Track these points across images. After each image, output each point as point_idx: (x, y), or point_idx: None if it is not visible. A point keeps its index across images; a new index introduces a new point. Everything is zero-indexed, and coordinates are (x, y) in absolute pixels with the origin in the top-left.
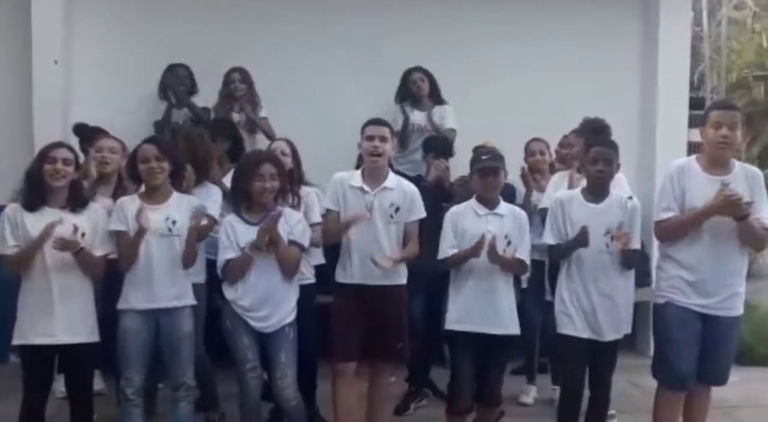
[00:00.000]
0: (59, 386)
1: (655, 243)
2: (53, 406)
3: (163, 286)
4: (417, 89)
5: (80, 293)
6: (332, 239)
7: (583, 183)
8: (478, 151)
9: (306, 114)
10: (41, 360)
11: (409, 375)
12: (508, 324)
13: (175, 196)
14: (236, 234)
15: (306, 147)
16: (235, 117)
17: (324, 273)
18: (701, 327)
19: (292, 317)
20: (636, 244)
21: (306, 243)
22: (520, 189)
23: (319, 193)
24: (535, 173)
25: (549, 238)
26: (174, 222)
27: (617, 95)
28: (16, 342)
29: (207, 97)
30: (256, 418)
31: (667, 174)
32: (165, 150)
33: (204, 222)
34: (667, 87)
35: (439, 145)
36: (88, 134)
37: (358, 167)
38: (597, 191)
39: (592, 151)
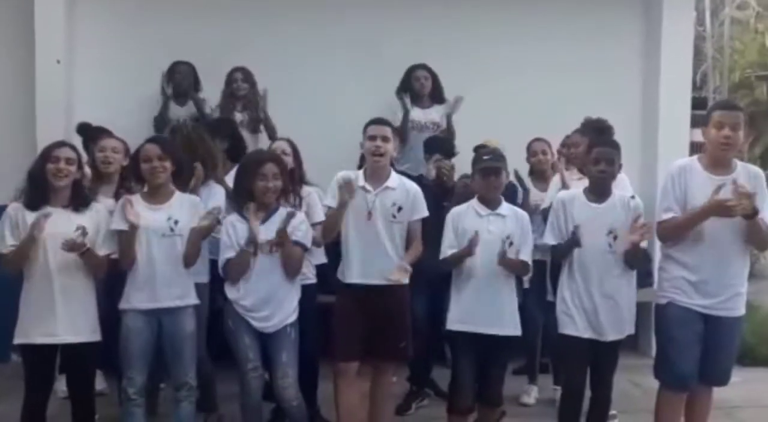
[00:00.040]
0: (61, 386)
1: (657, 243)
2: (55, 406)
3: (165, 286)
4: (420, 87)
5: (82, 292)
6: (332, 230)
7: (576, 183)
8: (480, 151)
9: (306, 114)
10: (43, 360)
11: (411, 375)
12: (510, 325)
13: (177, 195)
14: (238, 233)
15: (306, 147)
16: (238, 116)
17: (325, 272)
18: (703, 328)
19: (293, 317)
20: (644, 242)
21: (309, 243)
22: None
23: (320, 193)
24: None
25: (549, 238)
26: (176, 222)
27: (619, 95)
28: (17, 341)
29: (207, 96)
30: (257, 418)
31: (669, 174)
32: (168, 149)
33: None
34: (670, 87)
35: (442, 145)
36: (91, 134)
37: (360, 167)
38: (599, 191)
39: (595, 151)
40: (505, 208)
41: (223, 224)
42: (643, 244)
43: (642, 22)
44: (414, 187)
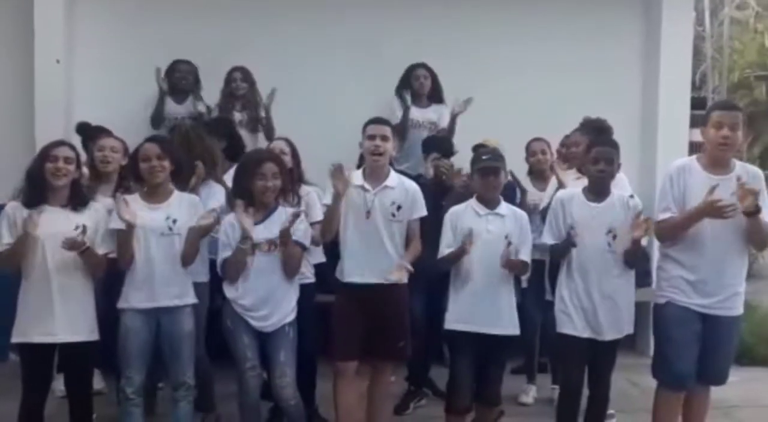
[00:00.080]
0: (59, 385)
1: (656, 243)
2: (52, 405)
3: (163, 285)
4: (419, 86)
5: (80, 292)
6: (330, 225)
7: (575, 182)
8: (479, 150)
9: (306, 114)
10: (41, 359)
11: (409, 375)
12: (508, 324)
13: (176, 194)
14: (235, 233)
15: (306, 147)
16: (237, 116)
17: (324, 272)
18: (701, 327)
19: (292, 316)
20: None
21: (308, 243)
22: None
23: (319, 192)
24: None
25: (548, 238)
26: (174, 222)
27: (618, 95)
28: (15, 340)
29: (207, 96)
30: (255, 417)
31: (667, 174)
32: (166, 149)
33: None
34: (669, 87)
35: (440, 144)
36: (90, 133)
37: (359, 166)
38: (598, 190)
39: (594, 150)
40: (504, 207)
41: (221, 223)
42: (644, 242)
43: (641, 23)
44: (413, 186)
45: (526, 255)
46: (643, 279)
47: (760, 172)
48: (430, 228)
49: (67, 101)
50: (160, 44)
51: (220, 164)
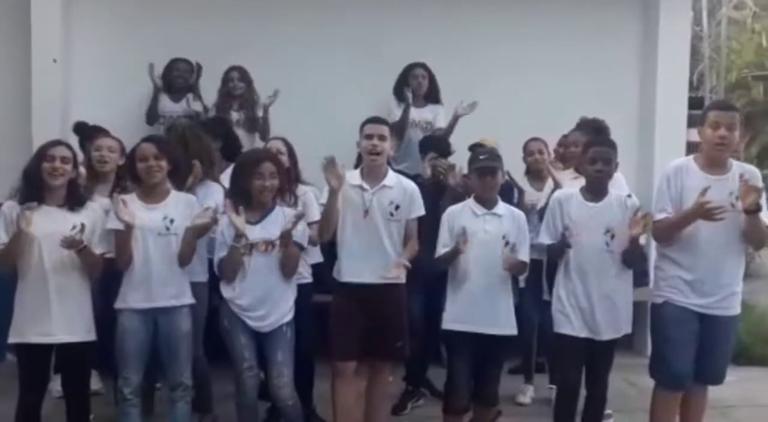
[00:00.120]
0: (56, 385)
1: (653, 243)
2: (50, 406)
3: (160, 285)
4: (417, 85)
5: (77, 292)
6: (328, 223)
7: (572, 182)
8: (476, 150)
9: (306, 114)
10: (38, 359)
11: (407, 375)
12: (506, 324)
13: (173, 194)
14: (233, 232)
15: (306, 146)
16: (234, 116)
17: (321, 272)
18: (698, 327)
19: (289, 316)
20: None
21: (305, 243)
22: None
23: (316, 192)
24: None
25: (545, 237)
26: (172, 221)
27: (617, 95)
28: (12, 340)
29: (206, 96)
30: (253, 417)
31: (664, 174)
32: (164, 149)
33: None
34: (667, 87)
35: (437, 144)
36: (87, 133)
37: (357, 166)
38: (596, 190)
39: (591, 150)
40: (502, 207)
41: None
42: (642, 241)
43: (639, 22)
44: (411, 186)
45: (524, 256)
46: (640, 278)
47: (758, 172)
48: (428, 228)
49: (64, 101)
50: (159, 44)
51: (217, 164)
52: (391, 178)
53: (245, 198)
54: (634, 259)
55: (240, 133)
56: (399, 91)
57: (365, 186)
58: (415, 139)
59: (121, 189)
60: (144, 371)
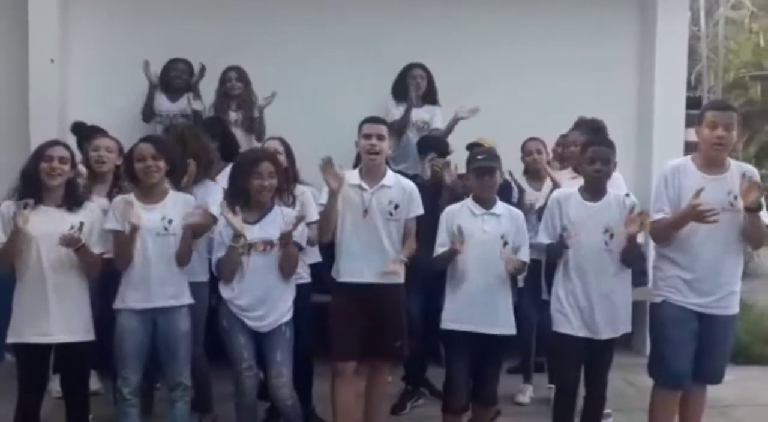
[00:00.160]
0: (55, 385)
1: (652, 242)
2: (49, 406)
3: (159, 285)
4: (416, 85)
5: (76, 292)
6: (327, 223)
7: (570, 182)
8: (474, 150)
9: (306, 114)
10: (37, 359)
11: (406, 375)
12: (505, 324)
13: (172, 194)
14: (231, 232)
15: (305, 146)
16: (232, 116)
17: (320, 272)
18: (697, 326)
19: (288, 316)
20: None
21: (304, 243)
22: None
23: (315, 192)
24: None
25: (544, 237)
26: (170, 222)
27: (615, 95)
28: (11, 340)
29: (206, 96)
30: (252, 418)
31: (662, 175)
32: (162, 149)
33: (198, 219)
34: (665, 86)
35: (436, 144)
36: (85, 133)
37: (355, 166)
38: (594, 190)
39: (590, 150)
40: (500, 207)
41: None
42: (640, 239)
43: (637, 23)
44: (410, 185)
45: (524, 255)
46: (639, 278)
47: (756, 172)
48: (427, 228)
49: (61, 101)
50: (157, 44)
51: (215, 163)
52: (390, 177)
53: (244, 198)
54: (632, 258)
55: (237, 133)
56: (397, 91)
57: (364, 185)
58: (411, 140)
59: (119, 189)
60: (143, 371)
